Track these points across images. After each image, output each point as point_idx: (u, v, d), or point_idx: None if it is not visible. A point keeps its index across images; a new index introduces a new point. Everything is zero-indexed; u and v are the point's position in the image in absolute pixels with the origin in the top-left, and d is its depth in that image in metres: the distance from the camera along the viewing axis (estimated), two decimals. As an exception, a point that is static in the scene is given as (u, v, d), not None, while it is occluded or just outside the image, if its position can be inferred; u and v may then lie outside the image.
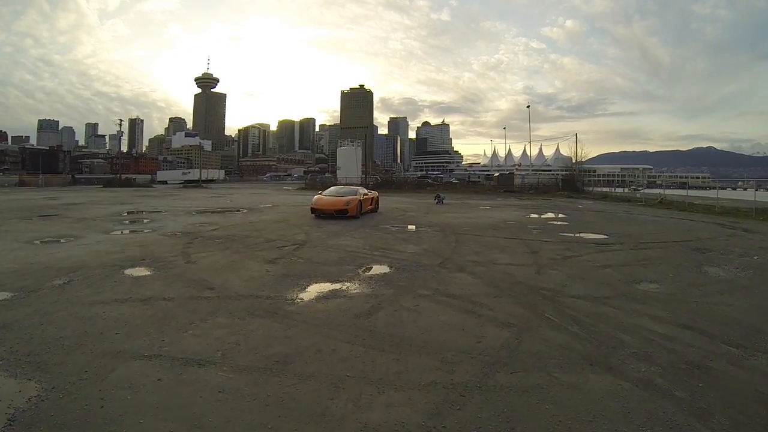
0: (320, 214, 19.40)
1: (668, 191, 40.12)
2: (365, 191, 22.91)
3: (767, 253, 12.58)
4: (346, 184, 35.89)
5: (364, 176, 63.42)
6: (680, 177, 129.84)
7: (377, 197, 23.79)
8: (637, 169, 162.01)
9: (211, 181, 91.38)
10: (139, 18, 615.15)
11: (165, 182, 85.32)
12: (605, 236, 16.24)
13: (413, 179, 78.02)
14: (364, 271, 9.68)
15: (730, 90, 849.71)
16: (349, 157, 72.89)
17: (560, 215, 25.12)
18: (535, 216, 24.25)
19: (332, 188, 23.43)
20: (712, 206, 29.87)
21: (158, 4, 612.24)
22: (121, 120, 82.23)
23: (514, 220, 20.99)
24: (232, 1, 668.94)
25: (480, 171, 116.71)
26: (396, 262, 10.60)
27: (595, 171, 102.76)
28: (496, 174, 76.60)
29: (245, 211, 24.48)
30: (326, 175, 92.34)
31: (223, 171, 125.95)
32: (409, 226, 17.99)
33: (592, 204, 35.50)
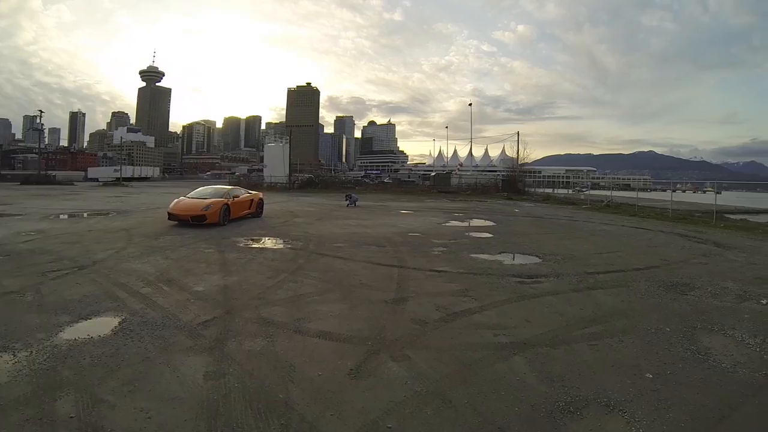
0: (176, 220, 16.17)
1: (614, 193, 36.56)
2: (242, 192, 19.79)
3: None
4: (234, 184, 31.37)
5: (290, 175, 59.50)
6: (623, 179, 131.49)
7: (259, 199, 20.51)
8: (582, 170, 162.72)
9: (146, 179, 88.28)
10: (85, 4, 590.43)
11: (96, 179, 79.94)
12: (537, 259, 11.38)
13: (349, 179, 76.14)
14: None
15: (673, 98, 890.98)
16: (275, 155, 67.23)
17: (488, 223, 20.39)
18: (456, 224, 19.60)
19: (199, 189, 19.52)
20: (665, 210, 26.79)
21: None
22: (41, 111, 76.16)
23: (421, 231, 16.46)
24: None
25: (424, 171, 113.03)
26: (134, 319, 6.27)
27: (540, 172, 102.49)
28: (433, 174, 72.41)
29: (112, 215, 20.53)
30: (251, 174, 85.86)
31: (158, 168, 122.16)
32: (267, 240, 13.76)
33: (531, 207, 31.39)
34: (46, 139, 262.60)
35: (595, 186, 62.44)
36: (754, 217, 26.95)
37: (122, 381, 4.37)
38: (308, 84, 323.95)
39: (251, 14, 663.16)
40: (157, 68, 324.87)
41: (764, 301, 7.67)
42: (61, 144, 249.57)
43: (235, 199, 17.99)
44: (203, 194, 18.04)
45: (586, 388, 4.44)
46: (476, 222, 20.85)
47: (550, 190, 49.36)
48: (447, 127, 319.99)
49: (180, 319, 6.14)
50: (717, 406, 4.18)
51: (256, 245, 12.60)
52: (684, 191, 51.02)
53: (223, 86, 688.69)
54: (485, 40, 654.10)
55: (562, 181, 70.23)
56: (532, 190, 49.67)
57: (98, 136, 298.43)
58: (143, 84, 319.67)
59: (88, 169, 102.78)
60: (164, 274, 8.79)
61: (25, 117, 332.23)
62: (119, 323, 5.99)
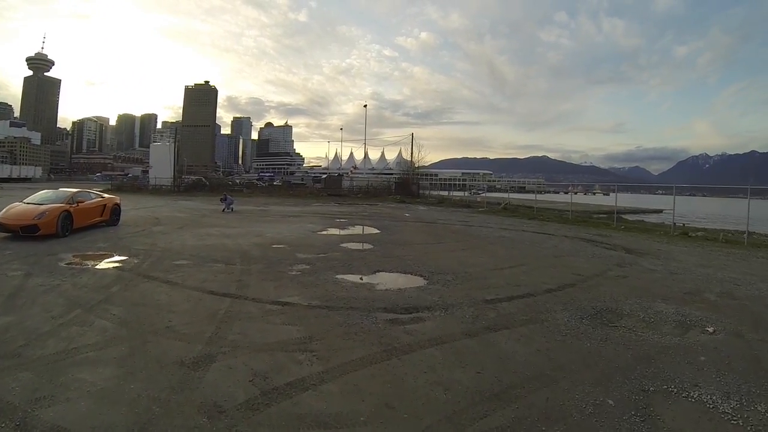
0: (5, 231, 13.62)
1: (510, 195, 35.79)
2: (92, 197, 17.10)
3: (712, 315, 7.02)
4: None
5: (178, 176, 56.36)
6: (518, 182, 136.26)
7: (114, 205, 17.85)
8: (478, 173, 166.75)
9: (25, 179, 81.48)
10: None
11: None
12: (421, 281, 9.12)
13: (242, 181, 73.38)
14: None
15: (566, 108, 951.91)
16: (162, 155, 61.96)
17: (371, 230, 18.17)
18: (333, 232, 17.32)
19: (39, 193, 16.34)
20: (563, 212, 26.39)
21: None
22: None
23: (289, 242, 13.97)
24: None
25: (320, 173, 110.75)
26: None
27: (436, 175, 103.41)
28: (324, 176, 70.71)
29: None
30: (129, 176, 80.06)
31: (41, 168, 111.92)
32: (99, 257, 11.31)
33: (424, 211, 29.67)
34: None
35: (492, 188, 62.85)
36: (645, 217, 27.13)
37: None
38: (206, 82, 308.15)
39: (150, 4, 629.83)
40: (47, 56, 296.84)
41: (710, 329, 6.20)
42: None
43: (80, 204, 15.44)
44: (42, 199, 15.24)
45: None
46: (358, 229, 18.69)
47: (446, 193, 48.51)
48: (342, 128, 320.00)
49: None
50: None
51: (79, 265, 10.20)
52: (576, 193, 51.94)
53: (118, 81, 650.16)
54: (388, 45, 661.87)
55: (459, 184, 70.43)
56: (427, 192, 48.73)
57: None
58: (30, 73, 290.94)
59: None
60: None
61: None
62: None
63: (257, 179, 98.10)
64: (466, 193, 46.43)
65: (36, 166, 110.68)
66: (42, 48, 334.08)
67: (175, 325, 6.06)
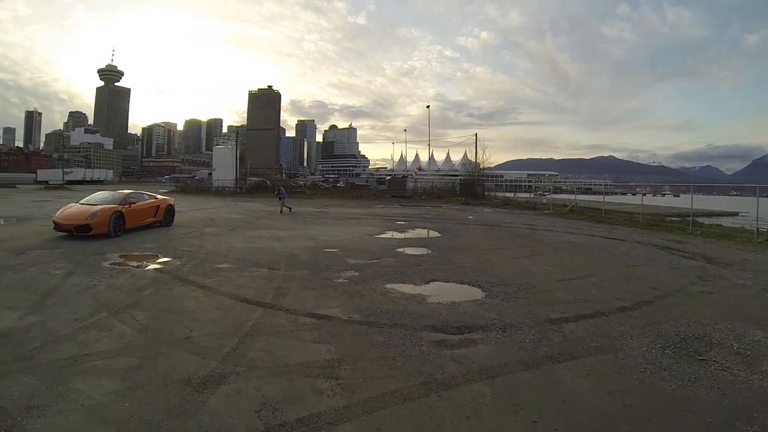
0: (61, 230, 14.03)
1: (577, 197, 33.88)
2: (145, 198, 17.17)
3: None
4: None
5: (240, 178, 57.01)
6: (584, 183, 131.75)
7: (168, 206, 17.82)
8: (544, 175, 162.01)
9: (98, 182, 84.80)
10: None
11: (46, 182, 76.82)
12: (478, 293, 8.03)
13: (307, 183, 74.06)
14: None
15: (631, 105, 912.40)
16: (224, 158, 63.46)
17: (432, 234, 17.12)
18: (390, 236, 16.37)
19: (95, 195, 16.57)
20: (633, 215, 24.20)
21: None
22: None
23: (342, 246, 13.24)
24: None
25: (385, 175, 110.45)
26: None
27: (502, 176, 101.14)
28: (388, 178, 69.92)
29: (9, 222, 18.26)
30: (196, 178, 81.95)
31: (112, 171, 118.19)
32: (144, 258, 11.19)
33: (489, 213, 28.17)
34: (0, 139, 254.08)
35: (558, 190, 60.21)
36: (721, 220, 24.95)
37: None
38: (269, 87, 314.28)
39: (212, 15, 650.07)
40: (116, 67, 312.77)
41: None
42: (15, 144, 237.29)
43: (132, 205, 15.59)
44: (96, 200, 15.54)
45: None
46: (417, 232, 17.68)
47: (511, 195, 46.49)
48: (405, 130, 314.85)
49: None
50: None
51: (121, 266, 10.08)
52: (644, 194, 49.48)
53: (185, 88, 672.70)
54: (449, 46, 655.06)
55: (524, 185, 68.15)
56: (492, 194, 46.84)
57: (55, 137, 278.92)
58: (102, 83, 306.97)
59: (38, 171, 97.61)
60: None
61: None
62: None
63: (322, 181, 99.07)
64: (532, 195, 44.47)
65: (108, 169, 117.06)
66: (112, 60, 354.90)
67: (196, 336, 5.58)
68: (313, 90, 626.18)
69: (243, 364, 4.73)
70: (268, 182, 59.96)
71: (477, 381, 4.41)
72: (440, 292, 8.06)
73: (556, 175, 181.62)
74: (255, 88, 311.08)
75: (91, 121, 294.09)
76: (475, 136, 51.39)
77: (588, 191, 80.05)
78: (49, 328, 5.75)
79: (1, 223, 18.18)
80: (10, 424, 3.54)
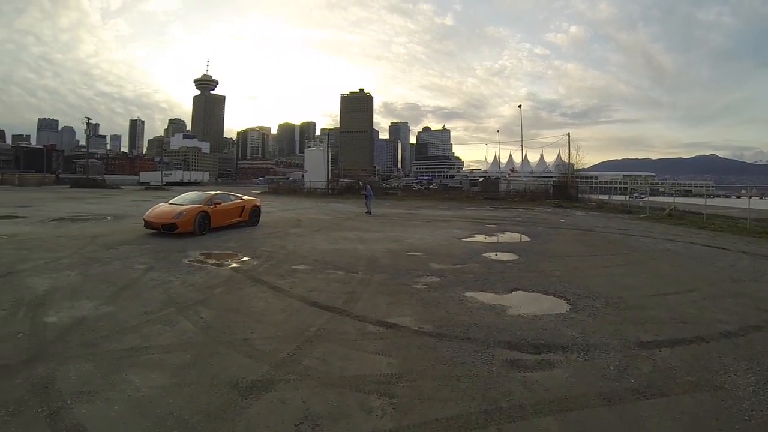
0: (151, 228, 14.85)
1: (676, 200, 31.41)
2: (231, 198, 17.71)
3: None
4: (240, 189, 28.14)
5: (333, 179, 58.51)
6: (683, 185, 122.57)
7: (254, 206, 18.30)
8: (640, 176, 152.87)
9: (195, 183, 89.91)
10: (141, 18, 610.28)
11: (148, 183, 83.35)
12: (563, 305, 7.33)
13: (400, 184, 75.59)
14: None
15: (734, 98, 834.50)
16: (316, 160, 65.10)
17: (521, 238, 16.33)
18: (478, 240, 15.72)
19: (183, 195, 17.35)
20: (739, 221, 22.05)
21: (160, 3, 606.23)
22: (88, 119, 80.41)
23: (426, 250, 12.83)
24: (234, 1, 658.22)
25: (479, 177, 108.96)
26: None
27: (596, 178, 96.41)
28: (481, 179, 68.58)
29: (106, 220, 19.61)
30: (290, 179, 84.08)
31: (208, 173, 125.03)
32: (224, 256, 11.49)
33: (582, 217, 26.75)
34: (108, 145, 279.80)
35: (655, 192, 56.44)
36: None
37: None
38: (361, 90, 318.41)
39: (300, 22, 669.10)
40: (211, 77, 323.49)
41: None
42: (121, 150, 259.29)
43: (218, 206, 16.10)
44: (184, 200, 16.24)
45: None
46: (506, 236, 16.92)
47: (606, 197, 44.21)
48: (498, 131, 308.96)
49: None
50: None
51: (200, 263, 10.35)
52: (751, 197, 44.98)
53: (277, 93, 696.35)
54: (538, 43, 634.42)
55: (619, 187, 64.61)
56: (586, 196, 44.86)
57: (156, 142, 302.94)
58: (198, 92, 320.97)
59: (141, 173, 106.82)
60: (47, 295, 7.26)
61: (90, 125, 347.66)
62: None
63: (416, 182, 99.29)
64: (628, 197, 41.93)
65: (204, 171, 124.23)
66: (207, 70, 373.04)
67: (255, 338, 5.51)
68: (405, 92, 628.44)
69: (295, 372, 4.54)
70: (360, 183, 60.42)
71: (546, 414, 3.83)
72: (522, 303, 7.44)
73: (653, 176, 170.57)
74: (347, 92, 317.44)
75: (189, 127, 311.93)
76: (567, 136, 49.42)
77: (687, 193, 74.91)
78: (118, 319, 6.03)
79: (107, 220, 19.39)
80: (60, 405, 3.76)
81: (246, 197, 18.64)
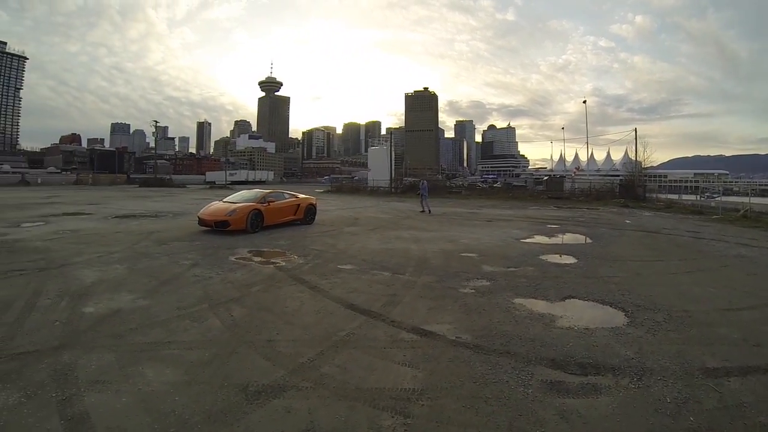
0: (204, 225, 15.18)
1: (752, 200, 29.04)
2: (286, 197, 17.81)
3: None
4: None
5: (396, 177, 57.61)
6: (760, 183, 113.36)
7: (309, 205, 18.28)
8: (712, 174, 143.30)
9: (260, 182, 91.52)
10: (205, 25, 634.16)
11: (213, 182, 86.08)
12: (620, 317, 6.58)
13: (463, 184, 73.13)
14: None
15: None
16: (379, 158, 64.75)
17: (582, 239, 15.43)
18: (537, 241, 14.94)
19: (238, 193, 17.71)
20: None
21: (224, 11, 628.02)
22: (156, 122, 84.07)
23: (481, 251, 12.31)
24: (296, 5, 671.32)
25: (544, 175, 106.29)
26: None
27: (665, 176, 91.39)
28: (545, 178, 66.63)
29: (165, 217, 20.05)
30: (355, 178, 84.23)
31: (272, 172, 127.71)
32: (272, 254, 11.53)
33: (649, 217, 24.99)
34: (176, 147, 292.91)
35: (728, 191, 52.70)
36: None
37: None
38: (425, 89, 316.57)
39: (362, 23, 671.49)
40: (275, 78, 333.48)
41: None
42: (189, 151, 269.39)
43: (271, 204, 16.16)
44: (238, 198, 16.46)
45: None
46: (567, 238, 16.06)
47: (675, 196, 41.69)
48: (563, 128, 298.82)
49: None
50: None
51: (247, 260, 10.44)
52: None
53: (342, 93, 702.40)
54: (602, 35, 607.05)
55: (690, 186, 61.02)
56: (654, 195, 42.43)
57: (222, 143, 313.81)
58: (263, 94, 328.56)
59: (207, 173, 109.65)
60: (91, 287, 7.67)
61: (158, 127, 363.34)
62: None
63: (481, 181, 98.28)
64: (699, 197, 39.31)
65: (269, 171, 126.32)
66: (271, 72, 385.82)
67: (279, 339, 5.37)
68: (470, 90, 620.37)
69: (311, 379, 4.32)
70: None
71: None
72: (574, 313, 6.77)
73: (726, 174, 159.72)
74: (411, 91, 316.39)
75: (254, 127, 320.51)
76: (634, 132, 47.27)
77: (765, 193, 70.18)
78: (151, 313, 6.20)
79: (166, 217, 19.92)
80: (73, 392, 3.92)
81: (301, 195, 18.66)
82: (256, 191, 17.77)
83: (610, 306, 7.10)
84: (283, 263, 10.07)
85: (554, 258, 11.49)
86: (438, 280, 8.63)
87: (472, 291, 7.83)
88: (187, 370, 4.45)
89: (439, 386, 4.23)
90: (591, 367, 4.70)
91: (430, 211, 24.51)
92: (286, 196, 17.81)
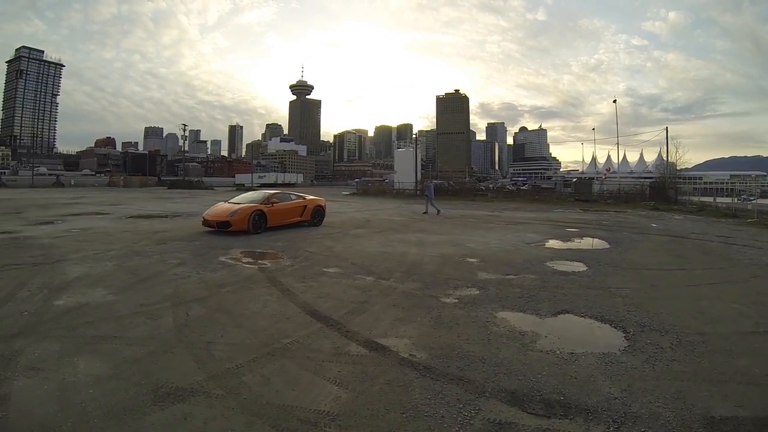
0: (208, 226, 15.30)
1: None
2: (292, 198, 17.92)
3: None
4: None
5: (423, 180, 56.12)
6: None
7: (317, 206, 18.14)
8: (749, 176, 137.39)
9: (290, 185, 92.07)
10: (237, 30, 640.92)
11: (242, 185, 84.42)
12: (620, 339, 5.69)
13: (493, 186, 73.17)
14: None
15: None
16: (405, 160, 64.02)
17: (599, 244, 14.50)
18: (551, 245, 14.19)
19: (243, 194, 18.22)
20: None
21: (255, 16, 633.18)
22: (184, 125, 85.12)
23: (485, 255, 11.78)
24: (326, 9, 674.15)
25: (573, 177, 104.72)
26: None
27: (700, 178, 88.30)
28: (574, 180, 65.55)
29: (182, 218, 20.50)
30: (386, 181, 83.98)
31: (302, 175, 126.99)
32: (262, 256, 11.46)
33: (678, 221, 23.69)
34: (209, 150, 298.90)
35: (765, 194, 50.17)
36: None
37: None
38: (457, 91, 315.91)
39: (392, 25, 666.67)
40: (306, 82, 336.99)
41: None
42: (221, 154, 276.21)
43: (275, 205, 16.16)
44: (243, 199, 16.54)
45: None
46: (583, 242, 15.19)
47: (710, 199, 39.89)
48: (594, 129, 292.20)
49: None
50: None
51: (235, 261, 10.39)
52: None
53: (373, 96, 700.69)
54: (635, 33, 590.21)
55: (726, 188, 58.69)
56: (687, 198, 40.90)
57: (254, 146, 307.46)
58: (294, 97, 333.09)
59: (236, 175, 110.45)
60: (73, 281, 7.98)
61: (190, 131, 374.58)
62: None
63: (511, 184, 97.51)
64: (734, 199, 37.40)
65: (299, 173, 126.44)
66: (302, 76, 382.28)
67: (219, 342, 5.19)
68: (501, 92, 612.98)
69: (226, 387, 4.07)
70: (447, 184, 59.41)
71: None
72: (563, 332, 5.87)
73: (764, 175, 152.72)
74: (442, 93, 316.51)
75: (286, 131, 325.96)
76: (665, 131, 45.74)
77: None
78: (113, 308, 6.31)
79: (182, 218, 20.77)
80: (8, 376, 4.11)
81: (309, 197, 18.50)
82: (262, 192, 17.75)
83: (609, 324, 6.14)
84: (269, 264, 9.96)
85: (561, 265, 10.62)
86: (422, 287, 8.06)
87: (455, 301, 7.16)
88: (117, 365, 4.47)
89: (358, 413, 3.67)
90: (559, 406, 3.82)
91: (438, 211, 24.29)
92: (293, 197, 17.80)
